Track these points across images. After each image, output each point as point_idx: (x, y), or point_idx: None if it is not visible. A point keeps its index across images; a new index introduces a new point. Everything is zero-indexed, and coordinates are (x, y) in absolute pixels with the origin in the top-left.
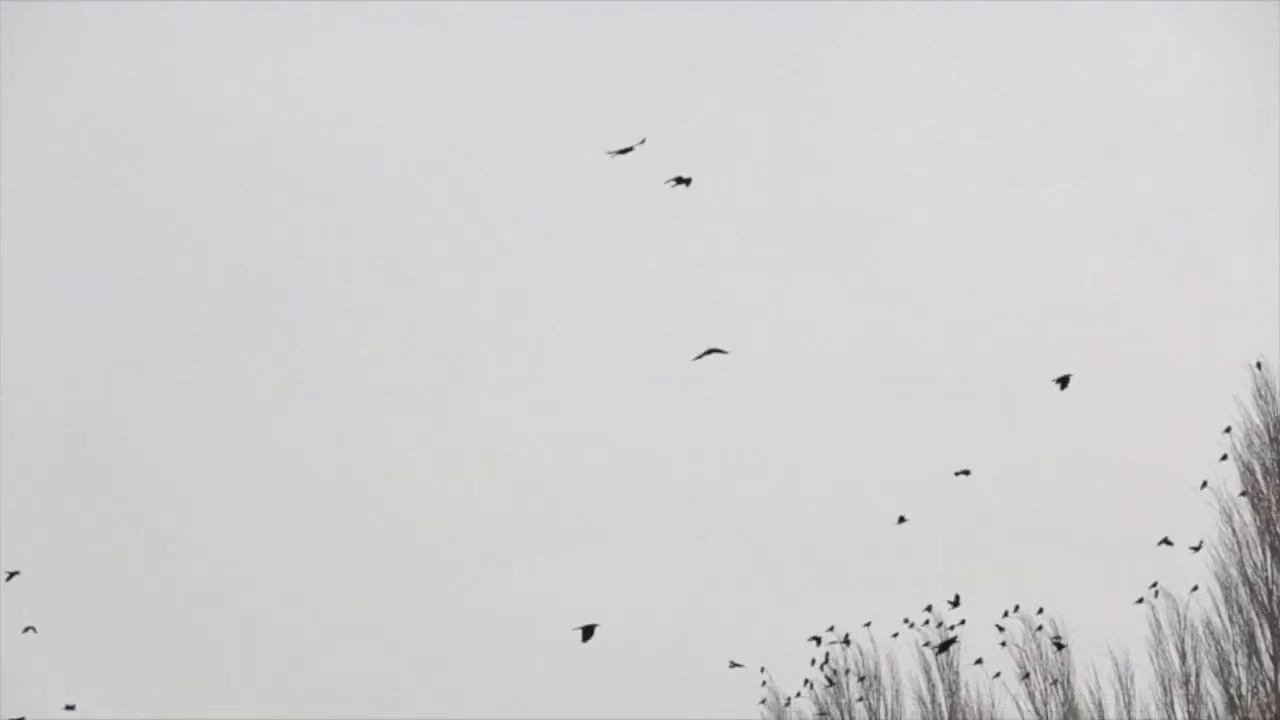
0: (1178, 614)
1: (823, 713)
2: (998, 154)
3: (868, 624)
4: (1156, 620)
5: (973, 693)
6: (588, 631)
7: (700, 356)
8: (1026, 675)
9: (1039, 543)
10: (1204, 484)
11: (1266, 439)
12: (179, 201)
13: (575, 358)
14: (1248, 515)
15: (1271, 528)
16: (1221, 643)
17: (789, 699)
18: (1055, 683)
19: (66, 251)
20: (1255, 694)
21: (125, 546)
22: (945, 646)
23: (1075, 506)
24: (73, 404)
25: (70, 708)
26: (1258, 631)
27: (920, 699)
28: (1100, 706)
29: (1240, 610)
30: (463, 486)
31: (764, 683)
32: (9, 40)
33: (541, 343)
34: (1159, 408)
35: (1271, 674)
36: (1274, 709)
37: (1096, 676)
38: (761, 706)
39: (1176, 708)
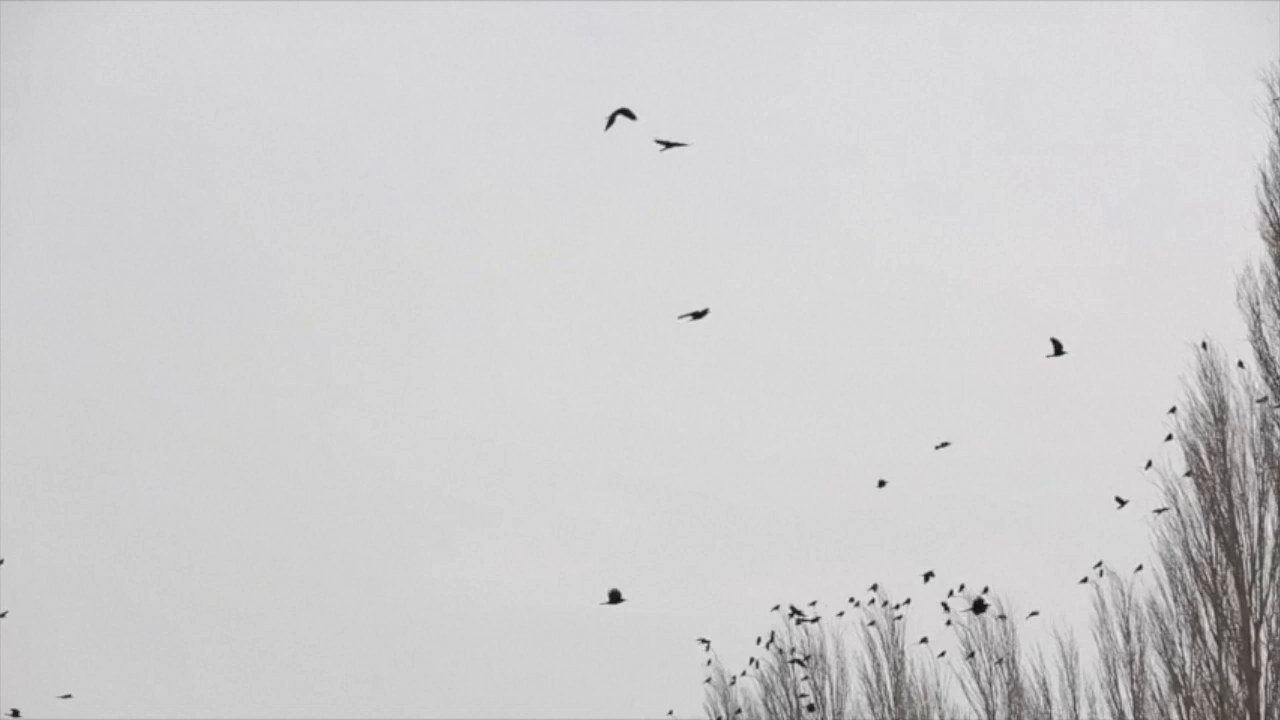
0: (1122, 594)
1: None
2: (947, 135)
3: (813, 603)
4: (1101, 600)
5: (918, 672)
6: (615, 596)
7: (684, 317)
8: (971, 654)
9: (984, 522)
10: (1149, 464)
11: (1211, 419)
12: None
13: (528, 336)
14: (1192, 495)
15: (1216, 507)
16: (1165, 622)
17: (734, 678)
18: (1000, 662)
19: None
20: (1199, 673)
21: (72, 517)
22: (978, 607)
23: (1021, 486)
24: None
25: (66, 696)
26: (1201, 611)
27: (865, 678)
28: (1045, 686)
29: (1184, 590)
30: (411, 466)
31: (709, 661)
32: (8, 39)
33: (493, 321)
34: (1105, 388)
35: (1215, 654)
36: (1217, 689)
37: (1041, 656)
38: (707, 685)
39: (1120, 687)
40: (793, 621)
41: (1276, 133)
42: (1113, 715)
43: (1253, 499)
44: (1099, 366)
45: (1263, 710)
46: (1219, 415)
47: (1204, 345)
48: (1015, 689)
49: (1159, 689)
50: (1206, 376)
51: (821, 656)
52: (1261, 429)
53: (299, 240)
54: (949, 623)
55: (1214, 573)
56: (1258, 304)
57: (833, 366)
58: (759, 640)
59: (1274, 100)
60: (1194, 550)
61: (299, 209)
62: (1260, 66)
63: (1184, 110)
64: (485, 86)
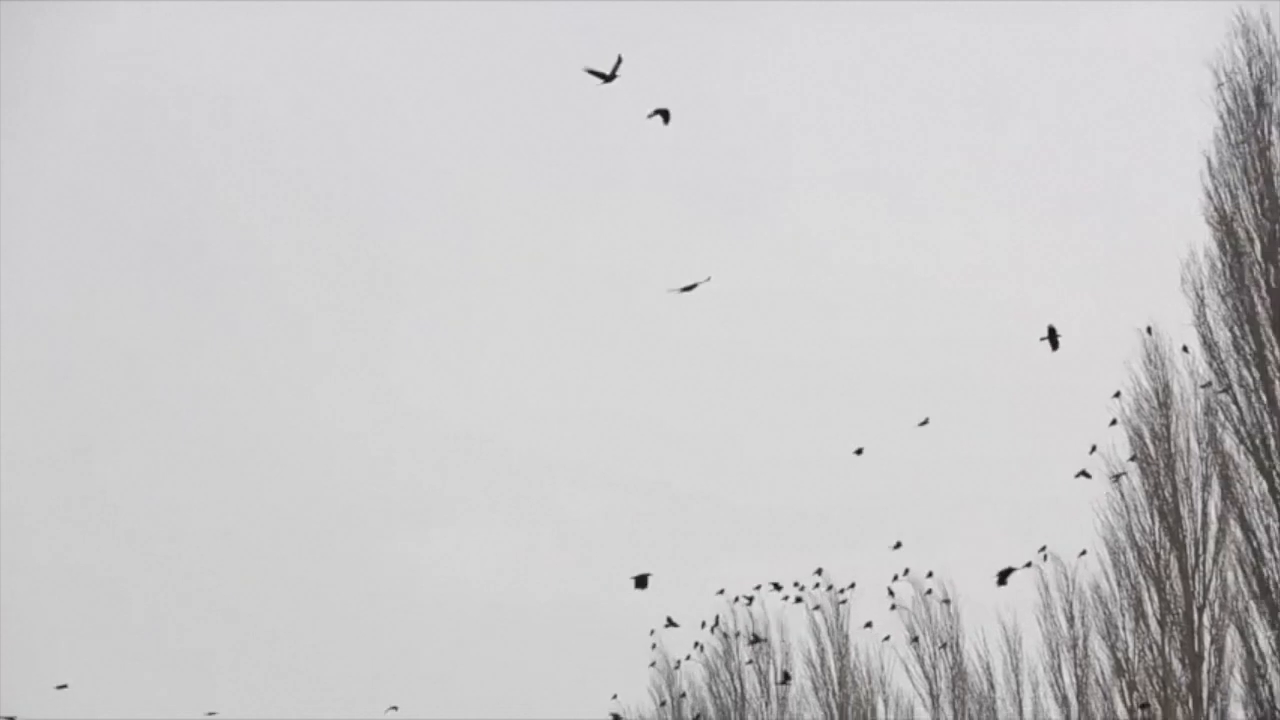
0: (1066, 578)
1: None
2: (903, 126)
3: (757, 587)
4: (1045, 584)
5: (862, 656)
6: (641, 580)
7: (681, 289)
8: (915, 639)
9: (929, 506)
10: (1093, 448)
11: (1155, 404)
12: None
13: (505, 328)
14: (1136, 480)
15: (1160, 492)
16: (1109, 606)
17: (678, 662)
18: (944, 646)
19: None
20: (1142, 658)
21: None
22: (1004, 577)
23: (967, 470)
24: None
25: (62, 687)
26: (1145, 595)
27: (810, 662)
28: (989, 670)
29: (1128, 574)
30: (380, 453)
31: (654, 645)
32: (8, 39)
33: (470, 315)
34: (1054, 373)
35: (1158, 638)
36: (1160, 673)
37: (985, 640)
38: (651, 669)
39: (1064, 671)
40: (737, 605)
41: (1221, 118)
42: (1056, 699)
43: (1196, 484)
44: (1048, 352)
45: (1205, 694)
46: (1163, 400)
47: (1149, 330)
48: (959, 673)
49: (1102, 673)
50: (1151, 361)
51: (766, 641)
52: (1205, 414)
53: (293, 235)
54: (894, 607)
55: (1158, 557)
56: (1202, 289)
57: (785, 356)
58: (703, 624)
59: (1218, 86)
60: (1138, 535)
61: (291, 203)
62: (1206, 53)
63: (1135, 97)
64: (479, 88)
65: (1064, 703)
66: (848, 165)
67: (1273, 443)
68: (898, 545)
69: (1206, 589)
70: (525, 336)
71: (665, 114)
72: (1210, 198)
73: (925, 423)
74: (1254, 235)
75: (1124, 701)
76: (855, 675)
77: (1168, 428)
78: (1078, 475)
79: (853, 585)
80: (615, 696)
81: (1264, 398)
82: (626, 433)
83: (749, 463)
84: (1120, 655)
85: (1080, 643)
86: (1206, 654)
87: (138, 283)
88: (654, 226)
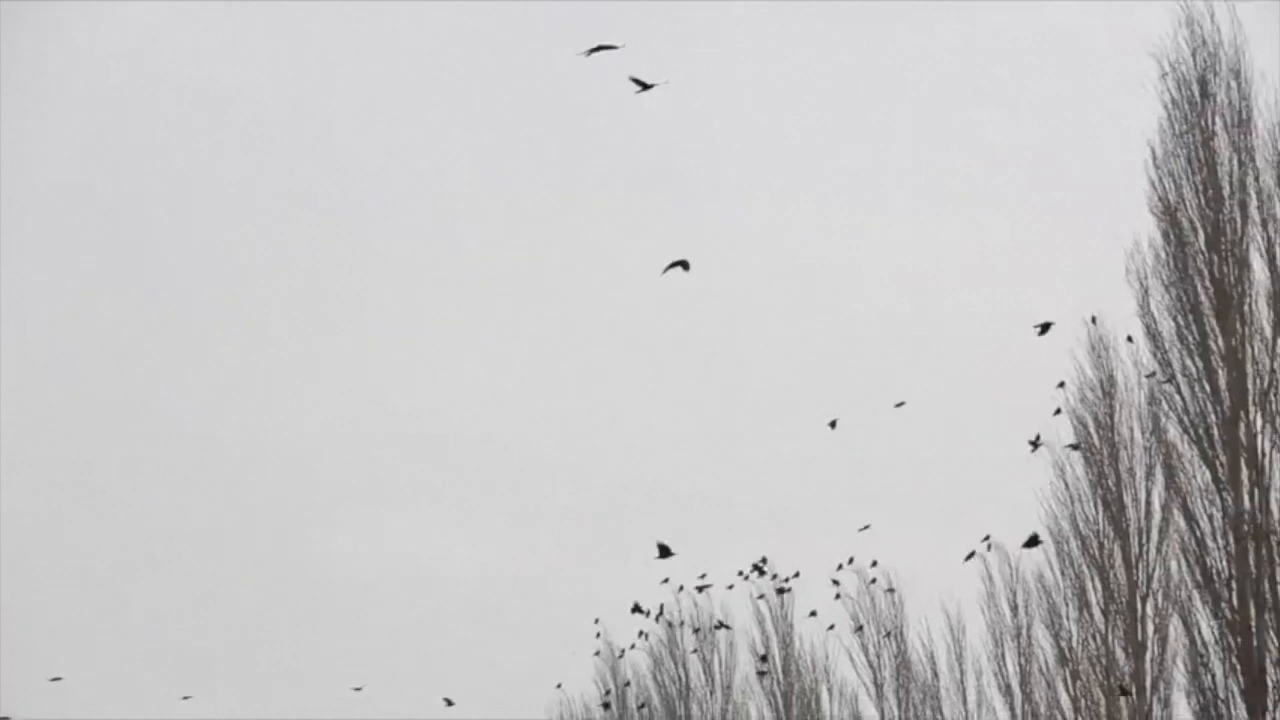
0: (1010, 567)
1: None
2: (838, 109)
3: (702, 575)
4: (988, 573)
5: (806, 645)
6: (664, 550)
7: (666, 269)
8: (860, 628)
9: (873, 495)
10: (1037, 437)
11: (1100, 393)
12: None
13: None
14: (1080, 469)
15: (1103, 481)
16: (1053, 595)
17: (622, 651)
18: (889, 635)
19: None
20: (1085, 647)
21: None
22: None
23: (909, 459)
24: None
25: (57, 679)
26: (1089, 584)
27: (754, 651)
28: (933, 659)
29: (1072, 563)
30: (316, 441)
31: (598, 634)
32: (8, 39)
33: (461, 312)
34: (999, 362)
35: (1102, 627)
36: (1104, 661)
37: (929, 629)
38: (596, 659)
39: (1008, 660)
40: (682, 594)
41: (1165, 107)
42: (1000, 688)
43: (1140, 473)
44: (994, 341)
45: (1149, 684)
46: (1107, 390)
47: (1094, 319)
48: (903, 662)
49: (1046, 662)
50: (1095, 351)
51: (730, 628)
52: (1149, 403)
53: (294, 235)
54: (838, 596)
55: (1101, 546)
56: (1146, 278)
57: (728, 348)
58: (647, 613)
59: (1162, 75)
60: (1081, 524)
61: (291, 203)
62: (1150, 42)
63: (1081, 86)
64: (460, 88)
65: (1008, 692)
66: (791, 160)
67: (1216, 432)
68: (865, 528)
69: (1150, 578)
70: (496, 334)
71: (644, 84)
72: (1154, 187)
73: (901, 405)
74: (1198, 225)
75: (1067, 690)
76: (800, 664)
77: (1111, 417)
78: (1031, 446)
79: (797, 574)
80: (559, 686)
81: (1207, 387)
82: (583, 425)
83: (698, 454)
84: (1064, 644)
85: (1024, 632)
86: (1149, 643)
87: (137, 282)
88: (647, 225)
